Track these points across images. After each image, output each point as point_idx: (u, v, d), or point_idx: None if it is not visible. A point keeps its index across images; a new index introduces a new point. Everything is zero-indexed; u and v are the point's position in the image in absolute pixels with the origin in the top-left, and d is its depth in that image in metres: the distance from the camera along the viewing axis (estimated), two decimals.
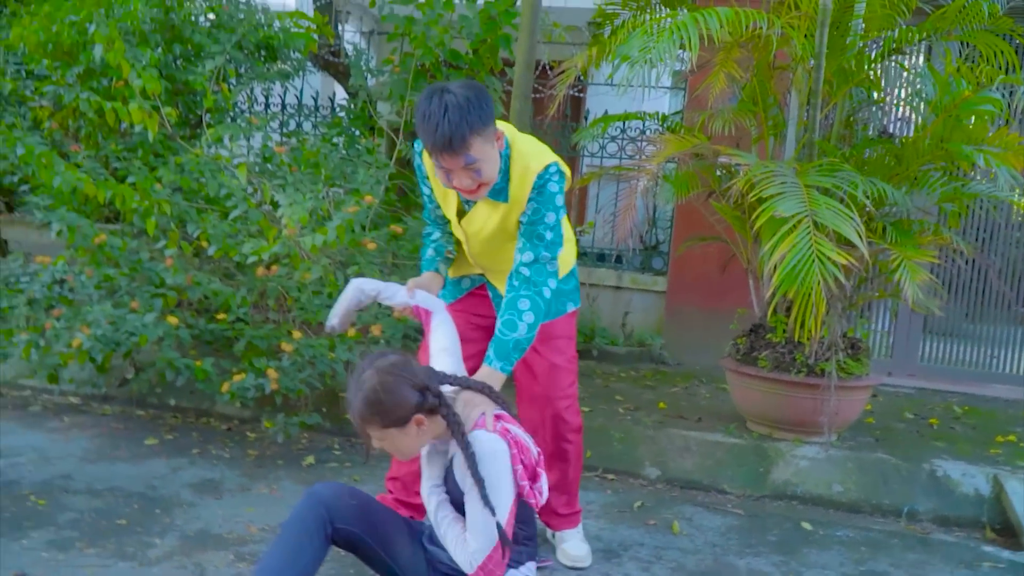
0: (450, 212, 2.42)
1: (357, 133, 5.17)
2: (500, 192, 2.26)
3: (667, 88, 6.60)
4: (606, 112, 5.49)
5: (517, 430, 2.04)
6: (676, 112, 5.94)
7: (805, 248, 2.87)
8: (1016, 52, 3.60)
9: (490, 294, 2.55)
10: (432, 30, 4.58)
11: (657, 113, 4.46)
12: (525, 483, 1.97)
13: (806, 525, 3.14)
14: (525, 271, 2.24)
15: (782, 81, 3.93)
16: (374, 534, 2.02)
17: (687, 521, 3.07)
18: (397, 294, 2.30)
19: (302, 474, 3.27)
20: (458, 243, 2.53)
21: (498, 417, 2.02)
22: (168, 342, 3.37)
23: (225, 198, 3.82)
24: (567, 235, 2.48)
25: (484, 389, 2.04)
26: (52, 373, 3.71)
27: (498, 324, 2.22)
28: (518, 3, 5.12)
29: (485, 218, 2.34)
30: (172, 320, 3.37)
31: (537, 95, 4.90)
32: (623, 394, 4.38)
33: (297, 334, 3.40)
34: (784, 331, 3.67)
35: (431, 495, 2.02)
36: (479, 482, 1.88)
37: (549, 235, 2.25)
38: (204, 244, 3.61)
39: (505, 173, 2.25)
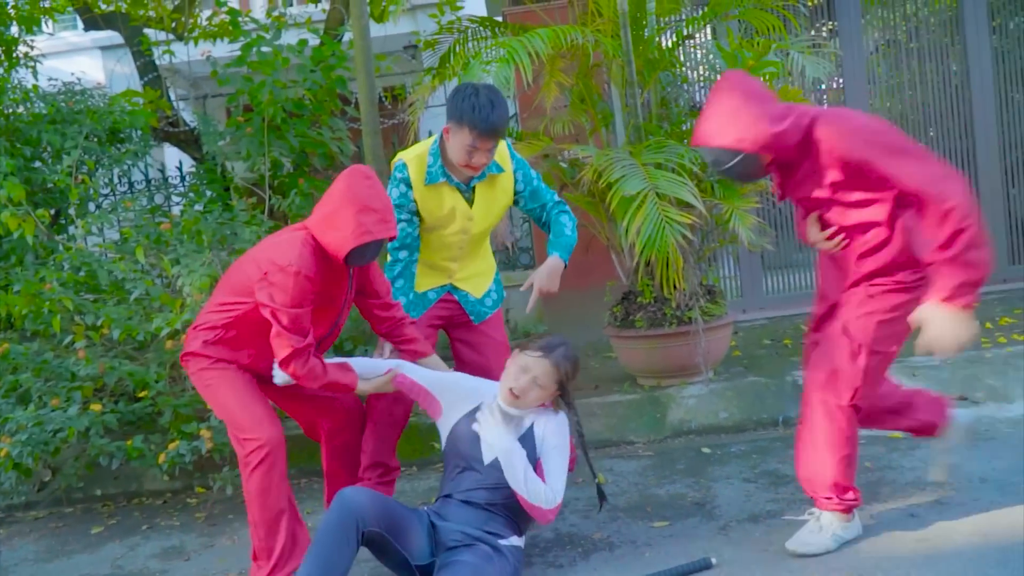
0: (444, 209, 2.84)
1: (213, 195, 5.33)
2: (493, 166, 2.87)
3: None
4: None
5: None
6: (509, 117, 6.43)
7: (655, 216, 3.39)
8: (783, 22, 4.29)
9: (458, 299, 3.02)
10: (276, 87, 4.81)
11: None
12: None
13: (705, 450, 3.66)
14: (554, 207, 3.03)
15: (602, 78, 4.48)
16: (393, 530, 2.33)
17: (608, 472, 3.52)
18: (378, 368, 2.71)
19: None
20: (429, 251, 2.94)
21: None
22: (96, 430, 3.47)
23: (113, 285, 3.93)
24: None
25: None
26: None
27: (555, 230, 2.98)
28: (343, 43, 5.44)
29: (492, 192, 2.90)
30: (96, 407, 3.47)
31: (382, 126, 5.22)
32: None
33: None
34: (651, 292, 4.20)
35: (512, 454, 2.43)
36: (561, 446, 2.50)
37: (543, 184, 3.03)
38: (105, 331, 3.71)
39: None
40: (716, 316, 4.14)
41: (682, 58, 5.12)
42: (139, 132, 5.26)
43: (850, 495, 2.51)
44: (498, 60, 3.39)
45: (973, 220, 2.14)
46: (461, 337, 3.10)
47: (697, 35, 4.89)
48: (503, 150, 2.93)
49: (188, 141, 5.90)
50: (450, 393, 2.68)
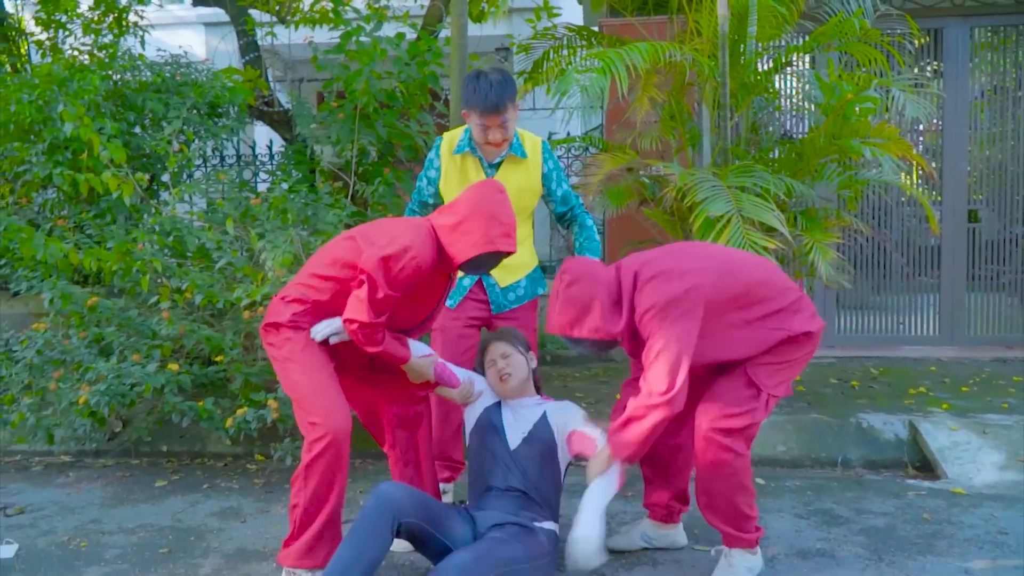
0: (467, 182, 2.99)
1: (300, 176, 5.49)
2: (517, 148, 3.06)
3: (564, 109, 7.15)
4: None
5: None
6: (592, 129, 6.45)
7: (739, 239, 3.37)
8: (887, 57, 4.21)
9: (488, 293, 3.12)
10: (371, 77, 4.93)
11: (591, 136, 4.92)
12: None
13: (760, 480, 3.61)
14: (579, 208, 3.22)
15: (694, 97, 4.46)
16: (432, 521, 2.40)
17: None
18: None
19: None
20: None
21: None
22: (170, 388, 3.62)
23: (199, 252, 4.09)
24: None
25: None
26: (49, 433, 3.91)
27: (586, 234, 3.18)
28: (439, 39, 5.55)
29: (514, 174, 3.04)
30: (173, 367, 3.62)
31: None
32: (582, 391, 4.80)
33: None
34: None
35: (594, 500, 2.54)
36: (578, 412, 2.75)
37: (572, 190, 3.21)
38: (188, 295, 3.87)
39: (516, 136, 3.06)
40: None
41: (777, 85, 5.06)
42: (236, 108, 5.46)
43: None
44: (595, 70, 3.42)
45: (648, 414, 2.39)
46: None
47: (796, 63, 4.83)
48: (536, 144, 3.11)
49: (280, 121, 6.09)
50: (483, 384, 2.83)
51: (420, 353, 2.67)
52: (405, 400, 2.82)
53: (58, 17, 5.85)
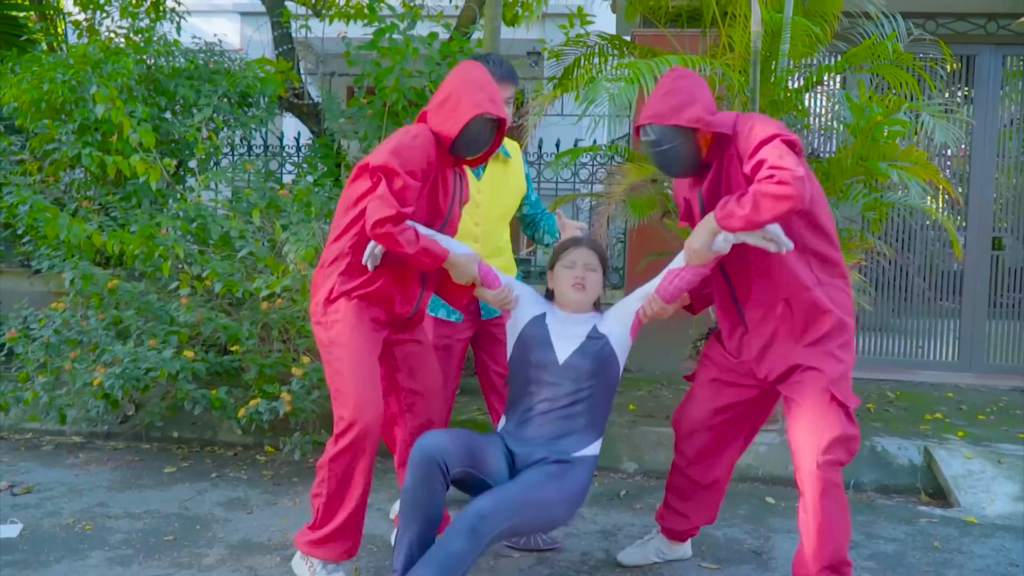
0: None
1: (325, 170, 5.51)
2: (502, 148, 3.05)
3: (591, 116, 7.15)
4: (557, 141, 5.95)
5: None
6: (618, 138, 6.44)
7: None
8: (918, 81, 4.16)
9: (478, 301, 2.99)
10: (402, 75, 4.95)
11: (617, 145, 4.91)
12: None
13: (770, 499, 3.59)
14: (543, 211, 3.27)
15: (722, 109, 4.43)
16: (476, 465, 2.34)
17: None
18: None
19: None
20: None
21: None
22: (185, 375, 3.64)
23: (221, 240, 4.12)
24: None
25: None
26: (62, 413, 3.94)
27: (551, 222, 3.18)
28: (471, 40, 5.56)
29: (502, 174, 3.03)
30: (189, 354, 3.65)
31: None
32: None
33: (306, 359, 3.71)
34: None
35: None
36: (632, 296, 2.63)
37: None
38: (208, 283, 3.90)
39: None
40: None
41: (807, 104, 5.03)
42: (266, 99, 5.49)
43: None
44: (624, 80, 3.41)
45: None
46: (483, 345, 3.11)
47: (827, 83, 4.80)
48: (515, 147, 3.16)
49: (309, 114, 6.12)
50: (522, 291, 2.67)
51: (460, 250, 2.50)
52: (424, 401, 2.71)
53: None
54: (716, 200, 2.36)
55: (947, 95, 5.94)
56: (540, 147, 6.74)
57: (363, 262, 2.41)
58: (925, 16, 5.70)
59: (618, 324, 2.58)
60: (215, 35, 6.12)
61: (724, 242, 2.32)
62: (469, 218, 2.93)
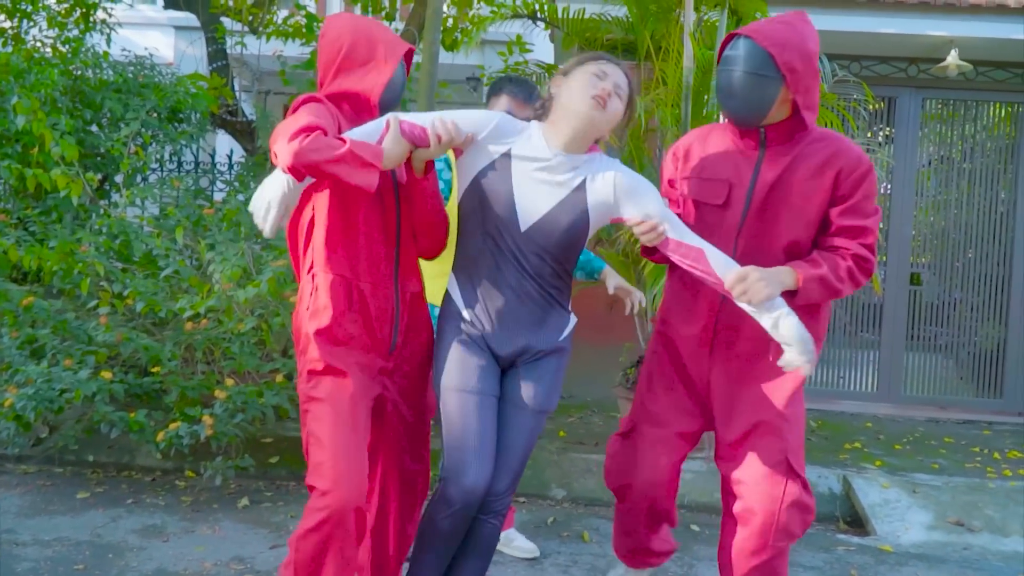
0: None
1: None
2: None
3: None
4: None
5: None
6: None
7: None
8: (842, 120, 4.33)
9: None
10: None
11: None
12: None
13: (695, 527, 3.63)
14: None
15: (655, 143, 4.54)
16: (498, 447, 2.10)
17: (595, 531, 3.49)
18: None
19: (240, 514, 3.47)
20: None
21: None
22: (102, 397, 3.51)
23: (145, 258, 4.00)
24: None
25: None
26: None
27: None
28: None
29: None
30: (107, 375, 3.52)
31: None
32: (552, 422, 4.78)
33: (230, 381, 3.62)
34: None
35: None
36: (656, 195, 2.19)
37: None
38: (130, 302, 3.77)
39: None
40: None
41: None
42: (198, 115, 5.39)
43: None
44: None
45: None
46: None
47: None
48: None
49: (243, 132, 6.03)
50: (469, 126, 2.02)
51: (378, 131, 1.94)
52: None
53: (24, 7, 5.73)
54: (774, 199, 2.12)
55: (869, 135, 6.20)
56: None
57: (259, 224, 1.94)
58: (850, 58, 5.95)
59: (608, 200, 2.06)
60: (146, 48, 6.00)
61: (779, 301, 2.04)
62: None
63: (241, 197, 5.31)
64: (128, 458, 4.10)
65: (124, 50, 5.74)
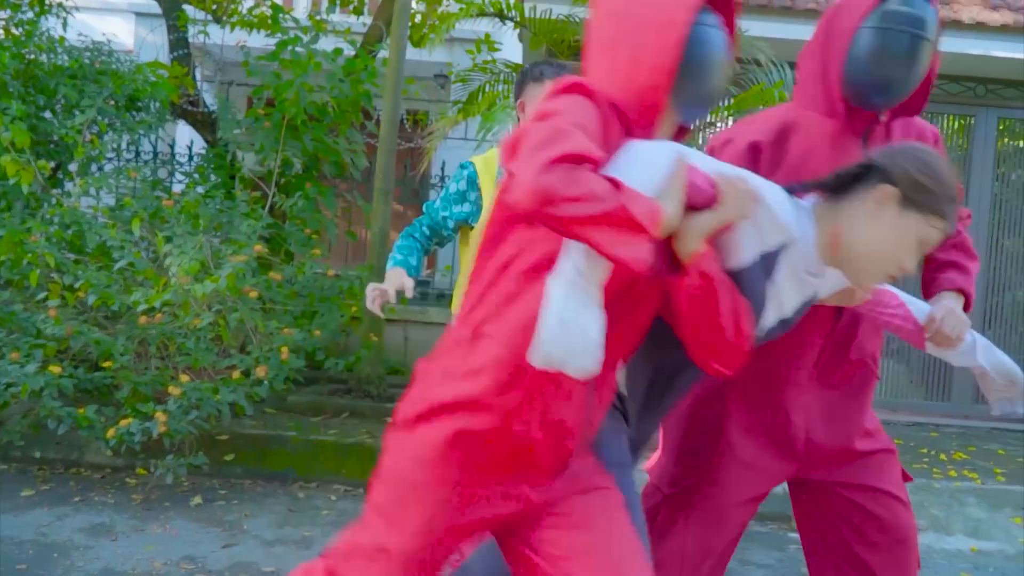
0: None
1: (218, 181, 5.33)
2: None
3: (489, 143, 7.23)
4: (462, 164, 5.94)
5: None
6: None
7: None
8: None
9: None
10: (303, 89, 4.85)
11: None
12: None
13: None
14: None
15: None
16: None
17: None
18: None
19: (192, 513, 3.41)
20: None
21: None
22: (50, 392, 3.41)
23: (99, 250, 3.91)
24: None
25: None
26: None
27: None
28: (377, 59, 5.52)
29: None
30: (55, 369, 3.42)
31: (397, 147, 5.29)
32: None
33: (184, 378, 3.55)
34: None
35: None
36: None
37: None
38: (81, 294, 3.68)
39: None
40: None
41: (701, 143, 5.23)
42: (158, 104, 5.26)
43: None
44: None
45: None
46: None
47: (719, 125, 5.01)
48: None
49: (204, 123, 5.91)
50: (761, 208, 1.36)
51: (658, 171, 1.24)
52: None
53: None
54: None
55: None
56: (443, 169, 6.74)
57: (581, 369, 1.17)
58: None
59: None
60: (104, 34, 5.85)
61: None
62: None
63: (200, 189, 5.22)
64: (77, 455, 4.00)
65: (81, 35, 5.59)
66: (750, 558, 3.29)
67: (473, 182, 2.51)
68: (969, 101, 6.13)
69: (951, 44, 5.62)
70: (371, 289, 2.28)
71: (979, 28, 5.62)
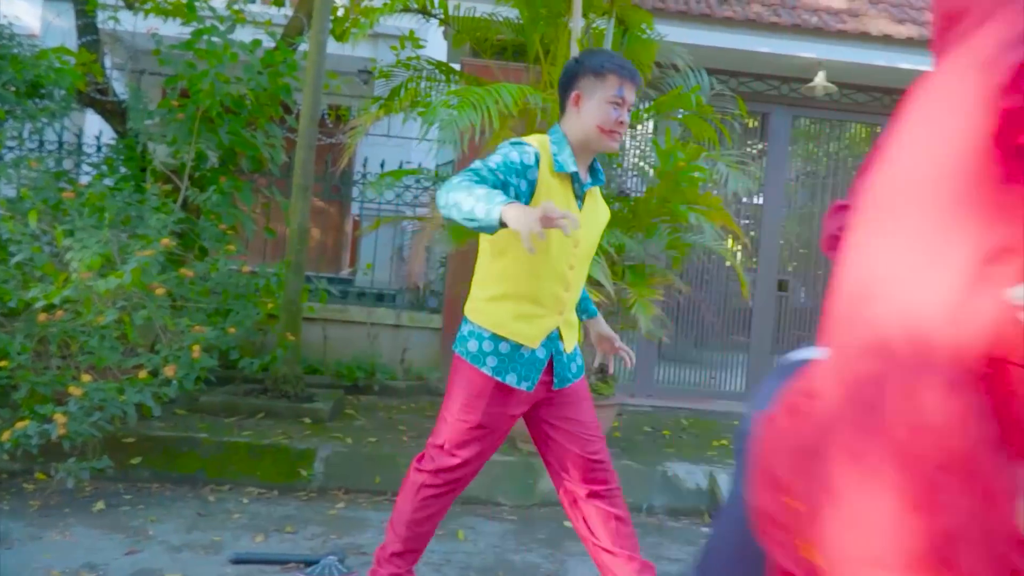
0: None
1: (127, 174, 5.14)
2: (600, 173, 2.34)
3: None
4: (382, 161, 5.91)
5: None
6: (443, 164, 6.50)
7: None
8: (717, 133, 4.51)
9: (555, 364, 2.33)
10: (218, 80, 4.72)
11: (440, 172, 4.95)
12: None
13: (567, 524, 3.69)
14: None
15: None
16: None
17: (470, 529, 3.49)
18: None
19: (94, 519, 3.27)
20: (534, 280, 2.23)
21: None
22: None
23: None
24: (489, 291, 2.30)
25: None
26: None
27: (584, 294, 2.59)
28: (298, 52, 5.42)
29: (595, 209, 2.33)
30: None
31: (318, 143, 5.21)
32: (406, 424, 4.74)
33: (86, 377, 3.40)
34: None
35: None
36: None
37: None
38: None
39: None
40: (603, 395, 4.22)
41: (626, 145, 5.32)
42: (63, 92, 5.04)
43: None
44: (465, 106, 3.43)
45: None
46: (546, 416, 2.43)
47: (640, 127, 5.11)
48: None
49: (113, 113, 5.69)
50: None
51: None
52: None
53: None
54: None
55: (744, 149, 6.49)
56: (365, 165, 6.66)
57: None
58: (728, 73, 6.22)
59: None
60: (6, 16, 5.58)
61: None
62: (564, 260, 2.25)
63: (108, 181, 5.02)
64: None
65: None
66: (665, 553, 3.36)
67: (537, 164, 2.13)
68: (875, 110, 6.40)
69: (859, 55, 5.86)
70: (534, 214, 1.74)
71: (886, 41, 5.89)
